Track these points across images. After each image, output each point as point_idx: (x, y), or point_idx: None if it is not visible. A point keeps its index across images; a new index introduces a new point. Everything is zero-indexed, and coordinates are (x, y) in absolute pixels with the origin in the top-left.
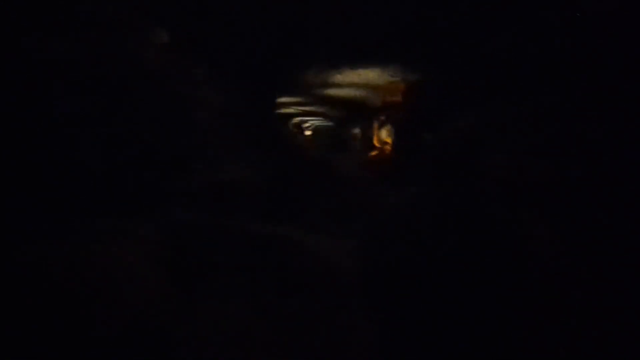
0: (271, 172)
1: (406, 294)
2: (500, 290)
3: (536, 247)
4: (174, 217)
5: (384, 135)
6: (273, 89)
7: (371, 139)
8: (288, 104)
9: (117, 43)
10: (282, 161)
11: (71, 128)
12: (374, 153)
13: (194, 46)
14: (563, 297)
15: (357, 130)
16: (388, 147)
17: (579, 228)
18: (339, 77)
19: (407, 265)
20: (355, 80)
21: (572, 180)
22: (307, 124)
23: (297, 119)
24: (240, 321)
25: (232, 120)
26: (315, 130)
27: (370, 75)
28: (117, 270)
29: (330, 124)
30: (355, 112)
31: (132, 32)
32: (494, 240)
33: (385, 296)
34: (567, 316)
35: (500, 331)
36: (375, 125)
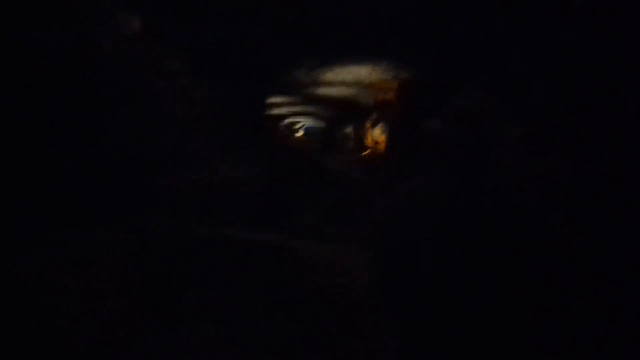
0: (260, 173)
1: (425, 298)
2: (526, 291)
3: (563, 245)
4: (150, 225)
5: (377, 134)
6: (262, 86)
7: (364, 139)
8: (279, 104)
9: (84, 31)
10: (272, 162)
11: (34, 126)
12: (366, 152)
13: (176, 40)
14: (596, 307)
15: (349, 130)
16: (381, 146)
17: (602, 221)
18: (329, 75)
19: (425, 266)
20: (347, 78)
21: (589, 175)
22: (298, 125)
23: (288, 120)
24: (225, 348)
25: (218, 119)
26: (307, 130)
27: (362, 72)
28: (80, 288)
29: (322, 124)
30: (347, 111)
31: (102, 19)
32: (520, 235)
33: (403, 302)
34: (596, 316)
35: (528, 335)
36: (368, 124)
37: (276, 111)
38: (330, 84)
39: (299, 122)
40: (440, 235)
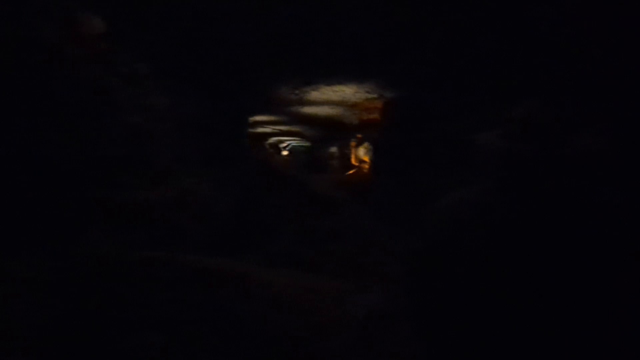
0: (231, 191)
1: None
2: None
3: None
4: (83, 249)
5: (362, 153)
6: (244, 102)
7: (349, 158)
8: (263, 123)
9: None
10: (252, 180)
11: None
12: (351, 172)
13: (153, 51)
14: None
15: (334, 149)
16: (366, 166)
17: None
18: (314, 94)
19: (476, 274)
20: (332, 97)
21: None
22: (284, 144)
23: (273, 139)
24: None
25: (188, 131)
26: (292, 150)
27: (347, 91)
28: None
29: (307, 143)
30: (332, 130)
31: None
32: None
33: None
34: None
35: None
36: (353, 143)
37: (260, 129)
38: (315, 103)
39: (284, 141)
40: (491, 244)
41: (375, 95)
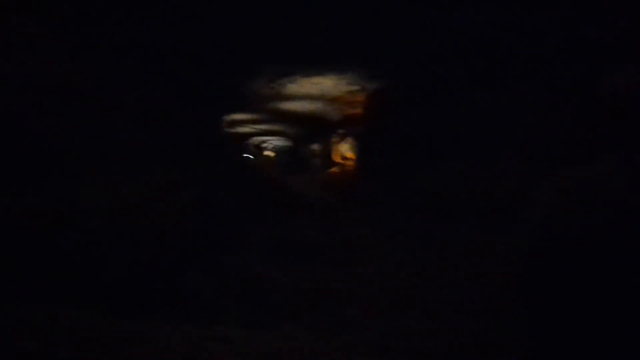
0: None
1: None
2: None
3: None
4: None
5: (345, 149)
6: (213, 96)
7: (331, 155)
8: (242, 122)
9: None
10: (226, 180)
11: None
12: (334, 170)
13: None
14: None
15: (316, 147)
16: (350, 163)
17: None
18: (292, 87)
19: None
20: (311, 90)
21: None
22: (267, 144)
23: (256, 139)
24: None
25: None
26: (276, 150)
27: (326, 84)
28: None
29: (290, 143)
30: (314, 127)
31: None
32: None
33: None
34: None
35: None
36: (335, 139)
37: (241, 129)
38: (294, 97)
39: (266, 141)
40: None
41: (356, 88)
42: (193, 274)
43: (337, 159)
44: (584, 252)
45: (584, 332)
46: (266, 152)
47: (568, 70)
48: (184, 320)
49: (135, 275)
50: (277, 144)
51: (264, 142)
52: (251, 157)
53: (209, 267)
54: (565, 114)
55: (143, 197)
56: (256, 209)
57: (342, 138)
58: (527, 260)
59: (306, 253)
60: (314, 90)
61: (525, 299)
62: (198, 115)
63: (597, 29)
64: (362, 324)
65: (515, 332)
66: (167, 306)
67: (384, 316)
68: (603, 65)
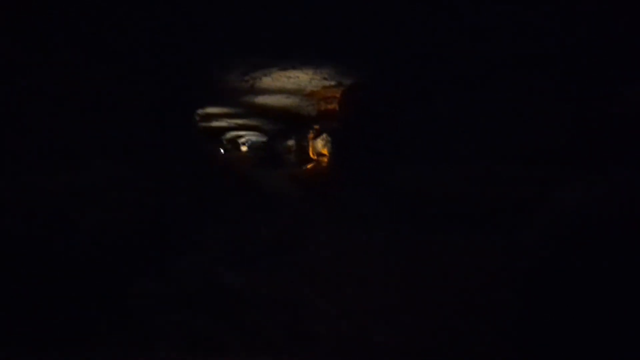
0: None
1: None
2: None
3: None
4: None
5: (320, 145)
6: (186, 89)
7: (306, 151)
8: (217, 116)
9: None
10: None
11: None
12: (309, 166)
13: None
14: None
15: (291, 142)
16: (324, 159)
17: None
18: (267, 81)
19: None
20: (286, 85)
21: None
22: (242, 140)
23: (231, 134)
24: None
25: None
26: (250, 145)
27: (302, 78)
28: None
29: (264, 138)
30: (289, 122)
31: None
32: None
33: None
34: None
35: None
36: (310, 135)
37: (215, 124)
38: (269, 91)
39: (242, 136)
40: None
41: (332, 83)
42: (141, 280)
43: (312, 155)
44: (589, 260)
45: (584, 337)
46: (242, 148)
47: (568, 71)
48: (125, 344)
49: (72, 283)
50: (252, 139)
51: (239, 137)
52: (225, 151)
53: (159, 270)
54: (566, 117)
55: (88, 191)
56: (219, 206)
57: (317, 134)
58: (530, 269)
59: (269, 254)
60: (289, 84)
61: (526, 308)
62: (171, 108)
63: (597, 29)
64: (328, 339)
65: (512, 338)
66: (107, 325)
67: (354, 330)
68: (603, 65)
